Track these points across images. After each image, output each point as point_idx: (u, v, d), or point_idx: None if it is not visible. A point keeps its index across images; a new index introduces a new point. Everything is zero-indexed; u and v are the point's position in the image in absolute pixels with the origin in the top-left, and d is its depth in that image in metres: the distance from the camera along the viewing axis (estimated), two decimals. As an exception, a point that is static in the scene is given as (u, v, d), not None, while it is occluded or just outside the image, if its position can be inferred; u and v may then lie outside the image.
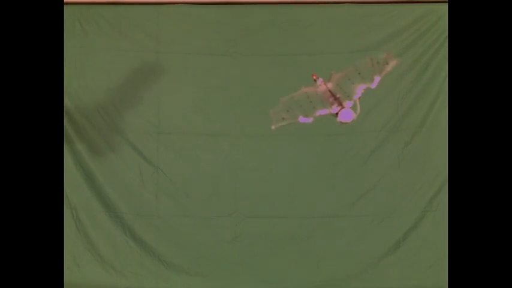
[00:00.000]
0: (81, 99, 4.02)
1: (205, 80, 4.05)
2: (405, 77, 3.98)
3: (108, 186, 4.00)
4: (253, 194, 4.00)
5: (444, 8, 3.85)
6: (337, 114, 2.61)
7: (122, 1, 4.06)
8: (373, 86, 2.60)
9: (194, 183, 4.02)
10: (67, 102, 3.97)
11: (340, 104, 2.56)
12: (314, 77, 2.68)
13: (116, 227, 3.99)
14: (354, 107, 2.60)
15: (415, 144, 3.97)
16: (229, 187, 4.01)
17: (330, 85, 2.63)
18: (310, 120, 2.63)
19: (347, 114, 2.58)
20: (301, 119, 2.63)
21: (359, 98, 2.60)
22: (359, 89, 2.60)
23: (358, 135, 3.98)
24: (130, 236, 3.99)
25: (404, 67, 3.98)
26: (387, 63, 2.61)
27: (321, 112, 2.64)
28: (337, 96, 2.56)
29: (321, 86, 2.64)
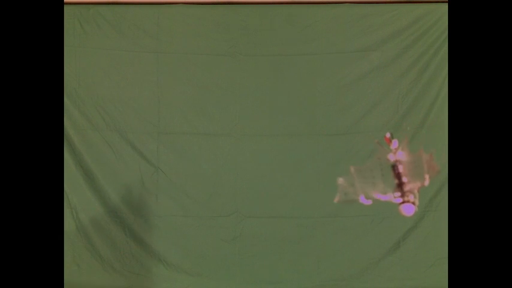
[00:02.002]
0: (81, 99, 4.02)
1: (206, 80, 4.05)
2: (405, 77, 3.99)
3: (108, 186, 4.00)
4: (253, 194, 4.00)
5: (444, 8, 3.85)
6: (399, 204, 2.38)
7: (122, 1, 4.06)
8: (426, 183, 2.41)
9: (194, 183, 4.02)
10: (67, 102, 3.98)
11: (403, 194, 2.34)
12: (387, 137, 2.46)
13: (116, 227, 3.99)
14: (416, 200, 2.39)
15: (415, 144, 3.96)
16: (229, 187, 4.01)
17: (401, 155, 2.39)
18: (369, 202, 2.43)
19: (409, 209, 2.37)
20: (362, 198, 2.42)
21: (418, 190, 2.39)
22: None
23: (358, 135, 3.98)
24: (130, 236, 3.99)
25: (404, 67, 3.98)
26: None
27: (382, 197, 2.43)
28: (403, 180, 2.34)
29: (393, 153, 2.39)
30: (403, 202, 2.24)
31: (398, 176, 2.27)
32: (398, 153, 2.32)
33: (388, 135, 2.38)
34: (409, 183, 2.25)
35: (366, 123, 3.98)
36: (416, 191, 2.27)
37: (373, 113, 3.98)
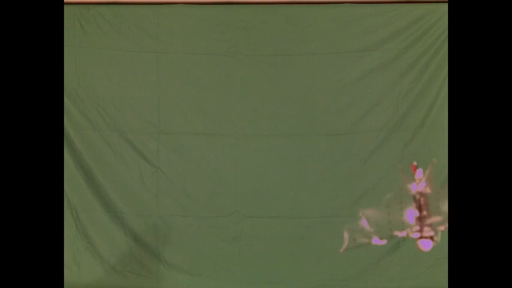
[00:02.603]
0: (81, 99, 4.02)
1: (205, 80, 4.05)
2: (405, 77, 3.99)
3: (108, 186, 4.00)
4: (253, 194, 4.00)
5: (444, 8, 3.85)
6: (416, 239, 2.30)
7: (122, 1, 4.06)
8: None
9: (194, 183, 4.02)
10: (67, 102, 3.98)
11: (421, 229, 2.25)
12: (413, 165, 2.36)
13: (116, 227, 3.99)
14: (434, 236, 2.30)
15: (415, 144, 3.97)
16: (229, 187, 4.01)
17: (423, 186, 2.28)
18: (384, 242, 2.34)
19: (427, 245, 2.30)
20: (375, 240, 2.33)
21: (444, 228, 2.28)
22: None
23: (358, 135, 3.98)
24: (130, 236, 3.99)
25: (404, 67, 3.98)
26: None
27: (399, 234, 2.34)
28: (423, 214, 2.25)
29: (416, 183, 2.30)
30: (421, 237, 2.16)
31: (419, 208, 2.19)
32: (421, 184, 2.25)
33: (415, 163, 2.30)
34: (429, 218, 2.17)
35: (366, 123, 3.98)
36: (439, 227, 2.18)
37: (373, 113, 3.98)
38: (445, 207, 2.09)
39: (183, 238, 4.00)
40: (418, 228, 2.13)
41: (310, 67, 4.02)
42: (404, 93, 3.99)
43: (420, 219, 2.12)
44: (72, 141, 3.99)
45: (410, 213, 2.13)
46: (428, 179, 2.14)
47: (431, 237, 2.11)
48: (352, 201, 3.97)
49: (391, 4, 4.04)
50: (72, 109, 4.00)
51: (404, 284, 3.92)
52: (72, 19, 4.01)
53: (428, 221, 2.12)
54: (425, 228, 2.12)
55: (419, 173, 2.19)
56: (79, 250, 3.98)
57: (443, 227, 2.09)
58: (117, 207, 4.00)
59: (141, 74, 4.05)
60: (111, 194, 4.00)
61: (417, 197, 2.15)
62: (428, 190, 2.13)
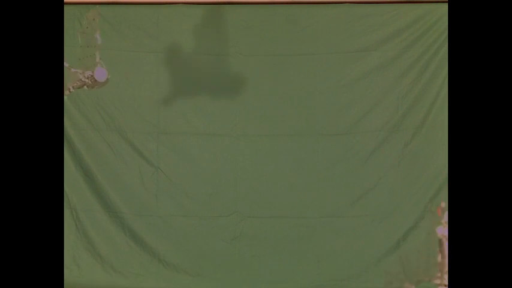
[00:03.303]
0: (81, 99, 4.02)
1: (206, 80, 4.05)
2: (405, 77, 3.99)
3: (108, 186, 4.00)
4: (253, 194, 4.01)
5: (444, 8, 3.85)
6: (437, 285, 2.25)
7: (122, 1, 4.06)
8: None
9: (194, 183, 4.02)
10: (67, 102, 3.98)
11: (442, 276, 2.19)
12: (440, 208, 2.29)
13: (116, 227, 4.00)
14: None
15: (415, 144, 3.97)
16: (229, 187, 4.01)
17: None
18: (412, 287, 2.30)
19: None
20: (407, 285, 2.28)
21: None
22: None
23: (358, 135, 3.99)
24: (130, 236, 3.99)
25: (404, 67, 3.99)
26: None
27: (425, 279, 2.29)
28: (445, 261, 2.19)
29: (442, 226, 2.24)
30: (440, 285, 2.13)
31: (442, 252, 2.15)
32: (447, 229, 2.20)
33: (443, 204, 2.25)
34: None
35: (366, 123, 3.98)
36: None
37: (373, 113, 3.99)
38: None
39: (183, 238, 4.00)
40: (439, 274, 2.09)
41: (310, 67, 4.03)
42: (404, 93, 3.99)
43: (442, 265, 2.07)
44: (72, 141, 3.99)
45: None
46: None
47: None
48: (352, 201, 3.98)
49: (391, 4, 4.04)
50: (72, 109, 4.00)
51: (405, 284, 3.91)
52: (72, 19, 4.01)
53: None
54: (446, 276, 2.07)
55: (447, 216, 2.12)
56: (79, 250, 3.98)
57: None
58: (117, 207, 4.00)
59: (141, 74, 4.05)
60: (111, 194, 4.00)
61: (442, 241, 2.10)
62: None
